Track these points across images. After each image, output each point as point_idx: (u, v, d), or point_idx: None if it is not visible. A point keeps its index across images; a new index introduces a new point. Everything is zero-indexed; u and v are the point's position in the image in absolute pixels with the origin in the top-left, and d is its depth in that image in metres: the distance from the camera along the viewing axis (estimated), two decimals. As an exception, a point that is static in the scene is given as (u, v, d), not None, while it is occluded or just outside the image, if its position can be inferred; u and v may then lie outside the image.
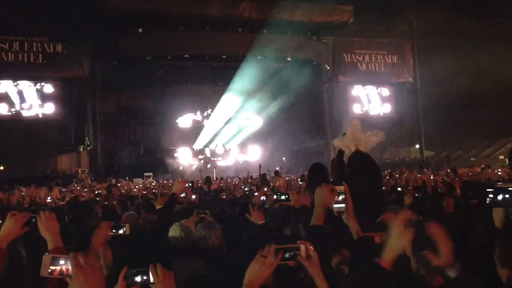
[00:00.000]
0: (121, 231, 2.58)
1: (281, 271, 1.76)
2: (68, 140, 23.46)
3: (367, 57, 28.20)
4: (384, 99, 29.06)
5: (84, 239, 2.61)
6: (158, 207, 4.57)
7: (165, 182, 15.29)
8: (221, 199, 7.39)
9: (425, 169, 14.93)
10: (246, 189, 8.81)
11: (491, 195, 2.08)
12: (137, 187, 13.95)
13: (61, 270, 1.54)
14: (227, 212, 5.01)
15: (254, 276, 1.65)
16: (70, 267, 1.49)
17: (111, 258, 2.58)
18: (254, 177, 14.80)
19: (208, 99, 27.40)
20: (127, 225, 2.63)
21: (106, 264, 2.51)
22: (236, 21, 24.07)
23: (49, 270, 1.55)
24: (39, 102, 23.17)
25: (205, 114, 27.95)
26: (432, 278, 1.84)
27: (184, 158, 26.29)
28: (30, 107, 23.03)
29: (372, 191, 3.20)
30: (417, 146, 29.42)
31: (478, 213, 4.08)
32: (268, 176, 11.97)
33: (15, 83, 22.83)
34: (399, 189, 6.75)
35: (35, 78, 23.03)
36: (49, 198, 8.28)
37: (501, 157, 26.08)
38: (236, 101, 26.75)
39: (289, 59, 25.07)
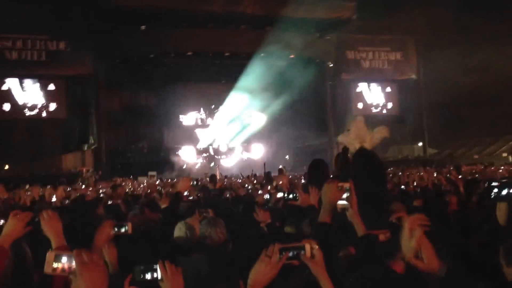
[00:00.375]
0: (123, 230, 2.58)
1: (285, 269, 1.75)
2: (72, 139, 23.50)
3: (370, 54, 28.08)
4: (387, 97, 28.96)
5: (87, 238, 2.62)
6: (163, 206, 4.58)
7: (169, 180, 15.31)
8: (224, 197, 7.40)
9: (427, 168, 14.87)
10: (249, 187, 8.81)
11: (496, 190, 2.08)
12: (141, 185, 13.97)
13: (64, 267, 1.54)
14: (232, 211, 5.02)
15: (258, 277, 1.64)
16: (73, 264, 1.49)
17: (116, 256, 2.59)
18: (258, 175, 14.80)
19: (211, 97, 27.42)
20: (130, 224, 2.63)
21: (111, 263, 2.52)
22: (239, 18, 24.04)
23: (53, 267, 1.55)
24: (43, 101, 23.21)
25: (208, 112, 27.96)
26: None
27: (188, 156, 26.32)
28: (34, 106, 23.08)
29: (376, 188, 3.19)
30: (420, 144, 29.30)
31: (481, 211, 4.06)
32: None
33: (20, 81, 22.85)
34: (402, 187, 6.75)
35: (38, 77, 23.05)
36: (54, 197, 8.31)
37: (504, 154, 25.95)
38: (240, 99, 26.74)
39: (292, 56, 25.03)
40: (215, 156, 26.59)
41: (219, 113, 27.46)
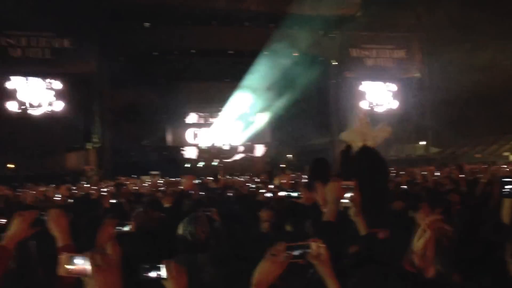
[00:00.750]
0: (125, 228, 2.59)
1: (290, 268, 1.74)
2: (76, 138, 23.52)
3: (374, 52, 27.95)
4: (391, 95, 28.85)
5: (91, 236, 2.63)
6: (166, 205, 4.58)
7: (172, 180, 15.31)
8: (226, 196, 7.40)
9: (430, 167, 14.80)
10: (253, 186, 8.81)
11: (507, 186, 2.07)
12: (144, 184, 13.98)
13: (79, 269, 1.54)
14: (235, 210, 5.02)
15: (263, 275, 1.62)
16: (88, 266, 1.50)
17: (119, 255, 2.59)
18: (260, 174, 14.81)
19: (214, 96, 27.38)
20: (133, 222, 2.64)
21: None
22: (243, 16, 24.03)
23: (67, 269, 1.56)
24: (48, 99, 23.23)
25: (211, 110, 27.94)
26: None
27: (191, 155, 26.34)
28: (39, 105, 23.10)
29: (378, 186, 3.19)
30: (423, 142, 29.17)
31: (485, 209, 4.06)
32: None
33: (26, 80, 22.86)
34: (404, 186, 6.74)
35: (43, 74, 23.05)
36: (58, 196, 8.33)
37: (506, 153, 25.78)
38: (243, 97, 26.72)
39: (296, 54, 24.97)
40: (218, 155, 26.60)
41: (222, 112, 27.45)
